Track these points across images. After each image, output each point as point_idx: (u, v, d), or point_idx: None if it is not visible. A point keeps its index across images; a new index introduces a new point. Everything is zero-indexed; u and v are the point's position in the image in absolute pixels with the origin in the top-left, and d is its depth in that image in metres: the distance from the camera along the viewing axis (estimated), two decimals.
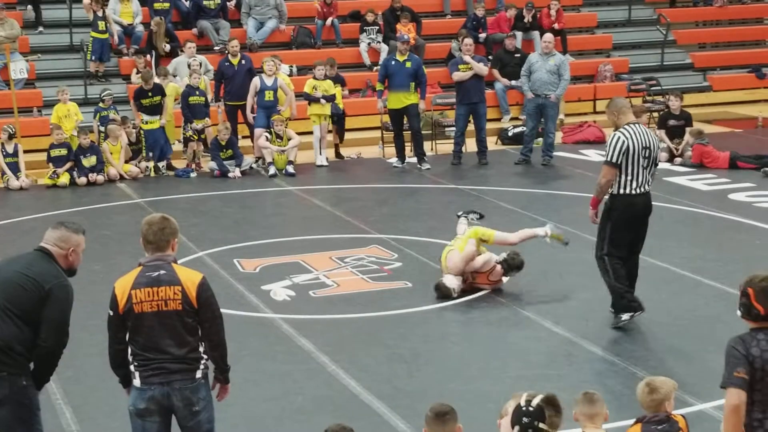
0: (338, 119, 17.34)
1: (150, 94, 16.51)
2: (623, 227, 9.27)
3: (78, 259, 6.13)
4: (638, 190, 9.18)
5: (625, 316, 9.24)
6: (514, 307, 10.06)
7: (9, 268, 6.04)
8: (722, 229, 12.96)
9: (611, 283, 9.30)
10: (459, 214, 11.67)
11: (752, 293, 5.10)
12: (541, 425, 5.11)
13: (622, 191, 9.19)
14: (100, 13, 18.83)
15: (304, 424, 7.47)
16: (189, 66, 17.41)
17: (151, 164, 16.57)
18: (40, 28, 19.81)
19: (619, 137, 9.13)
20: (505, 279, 10.56)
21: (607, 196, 9.32)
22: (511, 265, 10.52)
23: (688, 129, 17.10)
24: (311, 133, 17.05)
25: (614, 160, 9.11)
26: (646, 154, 9.19)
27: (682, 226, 13.19)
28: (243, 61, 17.26)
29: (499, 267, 10.50)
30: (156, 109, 16.57)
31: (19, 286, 5.87)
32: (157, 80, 16.86)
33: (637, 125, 9.30)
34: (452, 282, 10.30)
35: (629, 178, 9.15)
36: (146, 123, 16.51)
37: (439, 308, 10.08)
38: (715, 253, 11.81)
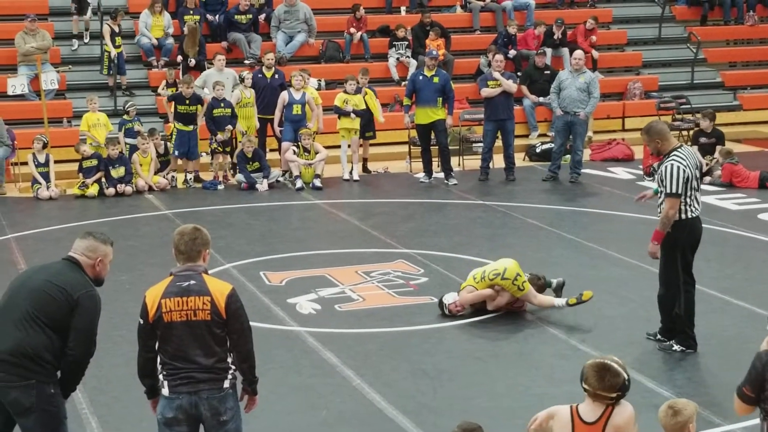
0: (366, 123, 17.23)
1: (188, 101, 16.60)
2: (690, 251, 9.21)
3: (105, 269, 6.19)
4: (698, 212, 9.12)
5: (678, 347, 9.18)
6: (540, 324, 10.01)
7: (38, 276, 6.09)
8: (751, 248, 12.87)
9: (681, 316, 9.19)
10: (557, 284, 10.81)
11: None
12: None
13: (684, 216, 9.07)
14: (116, 29, 19.01)
15: None
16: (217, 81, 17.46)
17: (179, 176, 16.64)
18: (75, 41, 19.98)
19: (678, 167, 8.91)
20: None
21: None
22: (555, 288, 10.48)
23: (718, 148, 17.02)
24: (339, 147, 17.08)
25: (679, 191, 8.92)
26: (698, 175, 9.14)
27: (710, 245, 13.04)
28: (276, 75, 17.34)
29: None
30: (191, 119, 16.65)
31: (48, 295, 5.94)
32: (196, 91, 16.92)
33: (683, 148, 9.19)
34: (449, 299, 10.25)
35: (689, 201, 9.05)
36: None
37: (464, 324, 10.05)
38: (744, 272, 11.73)
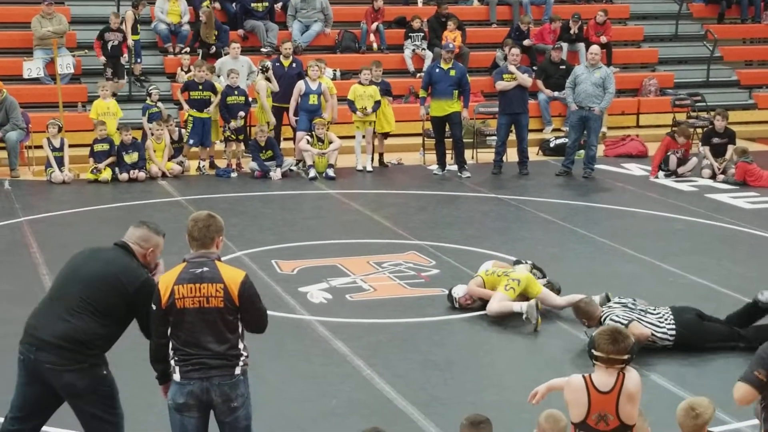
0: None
1: (201, 87, 16.61)
2: None
3: (154, 259, 6.31)
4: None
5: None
6: (550, 318, 10.01)
7: (91, 263, 6.19)
8: (764, 247, 12.84)
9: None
10: (524, 261, 10.78)
11: None
12: None
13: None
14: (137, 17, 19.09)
15: (338, 427, 7.49)
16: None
17: (192, 163, 16.67)
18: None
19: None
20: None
21: None
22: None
23: (731, 146, 16.99)
24: (353, 137, 17.09)
25: None
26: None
27: (723, 243, 13.08)
28: (294, 65, 17.34)
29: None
30: (205, 104, 16.65)
31: (102, 282, 6.05)
32: (208, 77, 16.90)
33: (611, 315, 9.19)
34: (459, 292, 10.25)
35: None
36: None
37: (475, 317, 10.05)
38: (756, 271, 11.70)
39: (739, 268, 11.81)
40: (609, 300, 9.67)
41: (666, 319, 9.13)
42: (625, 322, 8.98)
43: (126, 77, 18.68)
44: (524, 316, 9.72)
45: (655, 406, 7.28)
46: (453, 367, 8.81)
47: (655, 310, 9.25)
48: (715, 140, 17.10)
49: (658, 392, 8.16)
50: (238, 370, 5.83)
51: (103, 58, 18.26)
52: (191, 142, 16.67)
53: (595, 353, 5.40)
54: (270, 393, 7.94)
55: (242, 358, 5.87)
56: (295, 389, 8.30)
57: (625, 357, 5.34)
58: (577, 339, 9.41)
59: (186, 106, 16.70)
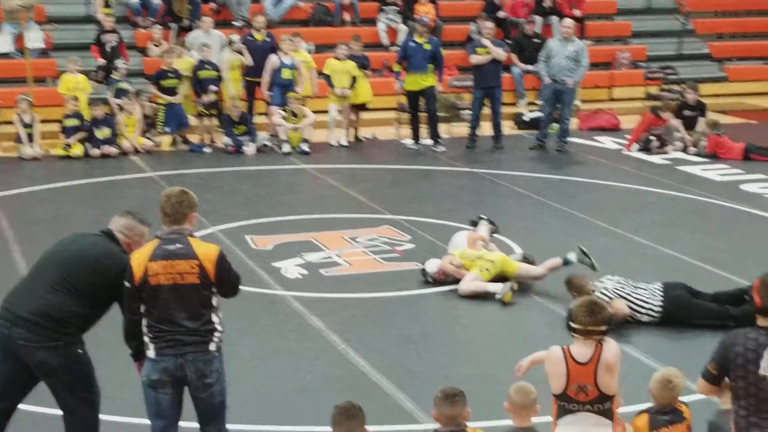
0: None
1: (170, 75, 16.50)
2: None
3: (138, 249, 6.20)
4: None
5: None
6: (526, 292, 10.05)
7: (74, 246, 6.18)
8: (734, 219, 12.94)
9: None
10: (482, 217, 11.12)
11: (757, 284, 5.09)
12: None
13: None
14: None
15: (313, 402, 7.50)
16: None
17: (166, 138, 16.59)
18: None
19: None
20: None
21: None
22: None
23: (702, 119, 17.07)
24: (327, 112, 17.04)
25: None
26: None
27: (693, 215, 13.17)
28: (268, 39, 17.23)
29: None
30: (176, 91, 16.55)
31: (82, 262, 6.04)
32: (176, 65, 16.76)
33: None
34: (432, 267, 10.29)
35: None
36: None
37: (450, 291, 10.07)
38: (727, 243, 11.79)
39: (711, 240, 11.89)
40: (585, 254, 9.94)
41: (655, 295, 9.19)
42: (612, 296, 9.03)
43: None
44: (497, 296, 9.74)
45: (629, 378, 7.33)
46: (428, 341, 8.84)
47: (646, 286, 9.30)
48: (687, 113, 17.17)
49: (633, 364, 8.21)
50: (212, 346, 5.83)
51: (102, 60, 17.73)
52: (167, 130, 16.50)
53: (573, 325, 5.43)
54: (244, 369, 7.94)
55: (216, 334, 5.86)
56: (270, 365, 8.31)
57: (603, 328, 5.36)
58: (552, 312, 9.46)
59: (158, 94, 16.52)
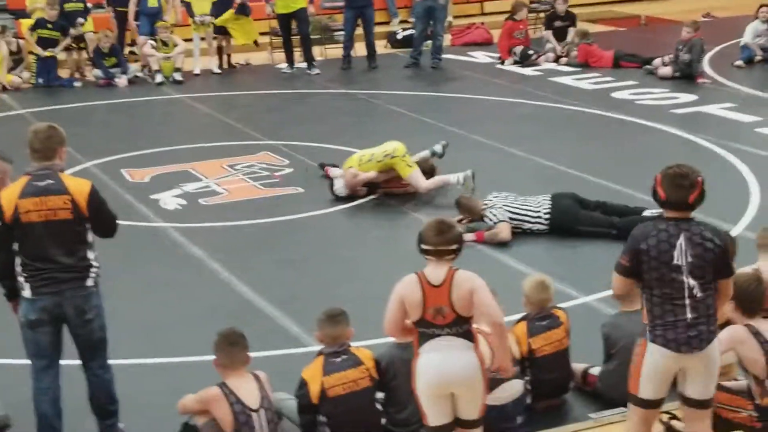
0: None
1: (50, 26, 15.97)
2: None
3: (3, 186, 6.08)
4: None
5: None
6: (403, 209, 10.17)
7: None
8: (606, 126, 13.23)
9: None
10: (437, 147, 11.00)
11: (659, 179, 5.21)
12: None
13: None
14: None
15: (197, 331, 7.46)
16: None
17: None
18: None
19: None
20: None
21: None
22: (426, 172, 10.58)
23: (573, 29, 17.32)
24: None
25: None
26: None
27: (568, 124, 13.43)
28: None
29: None
30: (53, 44, 16.02)
31: None
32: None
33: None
34: (341, 191, 10.38)
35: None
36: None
37: (329, 213, 10.16)
38: (600, 150, 12.08)
39: (585, 149, 12.16)
40: (442, 153, 10.60)
41: (543, 206, 9.38)
42: (500, 217, 9.20)
43: None
44: (460, 184, 10.20)
45: (510, 288, 7.50)
46: (309, 264, 8.91)
47: (535, 198, 9.49)
48: (557, 23, 17.40)
49: (510, 272, 8.39)
50: (90, 282, 5.79)
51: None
52: (40, 81, 15.99)
53: (424, 247, 5.40)
54: (127, 303, 7.90)
55: (93, 269, 5.82)
56: (152, 297, 8.28)
57: (453, 247, 5.31)
58: None
59: (34, 46, 15.97)
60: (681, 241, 5.15)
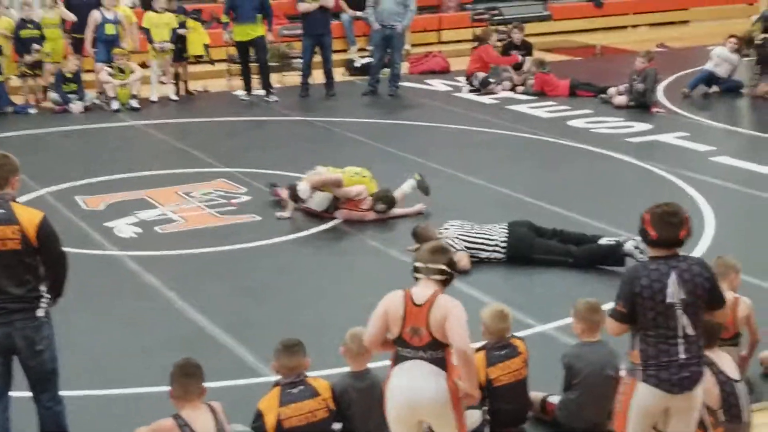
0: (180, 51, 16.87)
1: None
2: None
3: None
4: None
5: None
6: (360, 237, 10.15)
7: None
8: (562, 154, 13.30)
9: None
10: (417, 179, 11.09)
11: (648, 218, 5.22)
12: None
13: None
14: None
15: (151, 361, 7.39)
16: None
17: None
18: None
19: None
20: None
21: None
22: (381, 198, 10.56)
23: (529, 58, 17.45)
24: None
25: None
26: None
27: (524, 152, 13.49)
28: None
29: (369, 198, 10.57)
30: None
31: None
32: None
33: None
34: (304, 191, 10.46)
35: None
36: None
37: (287, 241, 10.11)
38: (556, 178, 12.13)
39: (541, 177, 12.21)
40: (422, 181, 10.81)
41: (499, 234, 9.38)
42: (457, 247, 9.18)
43: None
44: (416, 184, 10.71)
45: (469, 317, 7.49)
46: (266, 292, 8.86)
47: (492, 226, 9.49)
48: (514, 53, 17.52)
49: (469, 301, 8.36)
50: (40, 312, 5.71)
51: None
52: None
53: (415, 264, 5.38)
54: (80, 334, 7.80)
55: (44, 300, 5.74)
56: (107, 327, 8.18)
57: (440, 267, 5.29)
58: (386, 256, 9.59)
59: None
60: (672, 278, 5.18)
